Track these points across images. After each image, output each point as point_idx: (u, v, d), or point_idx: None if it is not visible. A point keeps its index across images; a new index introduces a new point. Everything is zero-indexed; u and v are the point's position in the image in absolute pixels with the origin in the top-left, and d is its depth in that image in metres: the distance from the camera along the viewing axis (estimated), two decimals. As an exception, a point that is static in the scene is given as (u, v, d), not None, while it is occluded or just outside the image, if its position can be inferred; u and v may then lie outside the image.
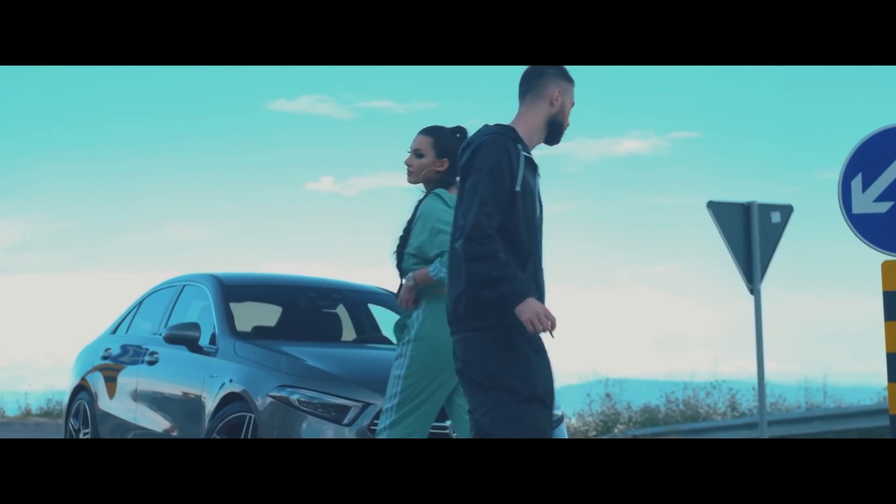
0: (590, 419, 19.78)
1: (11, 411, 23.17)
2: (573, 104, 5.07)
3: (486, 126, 4.90)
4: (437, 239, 5.66)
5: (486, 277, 4.61)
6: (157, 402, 8.60)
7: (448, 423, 7.21)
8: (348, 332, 9.10)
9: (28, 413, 23.02)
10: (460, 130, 5.98)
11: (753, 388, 19.20)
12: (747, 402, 19.15)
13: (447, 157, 5.90)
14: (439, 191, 5.83)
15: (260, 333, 8.61)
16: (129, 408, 8.90)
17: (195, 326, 8.24)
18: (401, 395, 5.71)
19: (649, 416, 19.42)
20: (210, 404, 7.77)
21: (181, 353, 8.32)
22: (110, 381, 9.26)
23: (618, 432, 18.72)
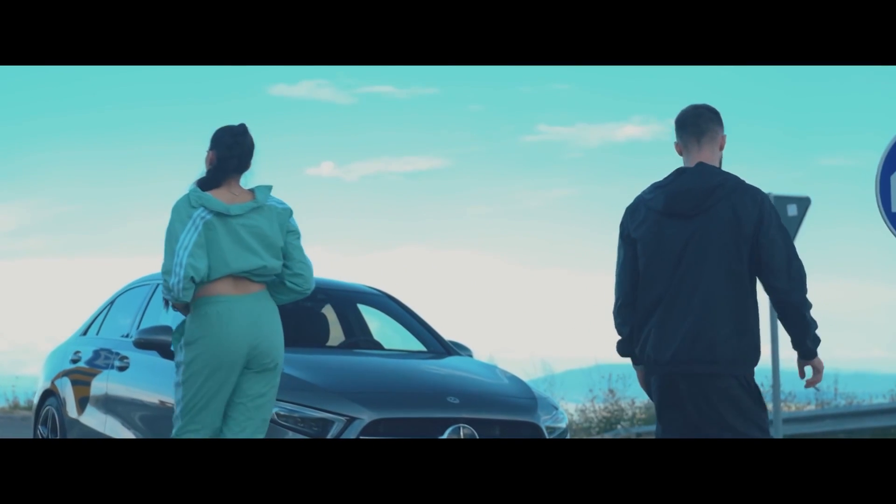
0: (592, 415, 19.16)
1: (-1, 402, 22.70)
2: None
3: (730, 174, 5.10)
4: (167, 247, 5.64)
5: (814, 326, 5.00)
6: (128, 411, 7.95)
7: (442, 437, 6.60)
8: (336, 335, 8.46)
9: (16, 406, 22.48)
10: (241, 127, 5.86)
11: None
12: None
13: (214, 149, 5.79)
14: (191, 188, 5.72)
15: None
16: (98, 417, 8.25)
17: (167, 330, 7.60)
18: (183, 402, 5.71)
19: (653, 413, 18.76)
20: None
21: (153, 358, 7.67)
22: (79, 387, 8.61)
23: (620, 429, 18.11)
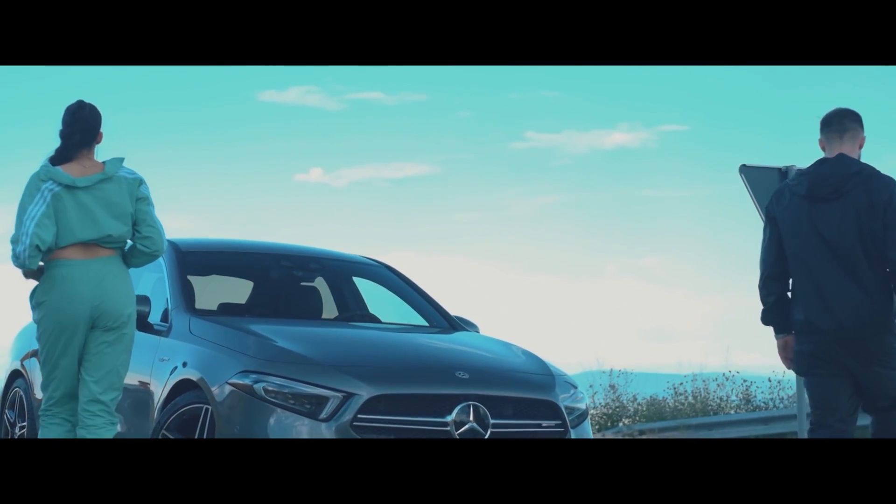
0: (593, 412, 18.51)
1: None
2: None
3: (866, 164, 5.71)
4: (17, 218, 5.92)
5: None
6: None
7: (448, 418, 5.91)
8: (329, 310, 7.75)
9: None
10: (77, 103, 6.10)
11: (769, 380, 18.00)
12: (762, 394, 17.86)
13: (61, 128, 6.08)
14: (43, 163, 5.99)
15: (227, 312, 7.26)
16: (69, 398, 7.52)
17: (144, 300, 6.90)
18: (41, 358, 6.02)
19: (656, 410, 18.14)
20: (159, 393, 6.44)
21: (128, 332, 6.95)
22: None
23: (623, 426, 17.47)
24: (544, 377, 6.49)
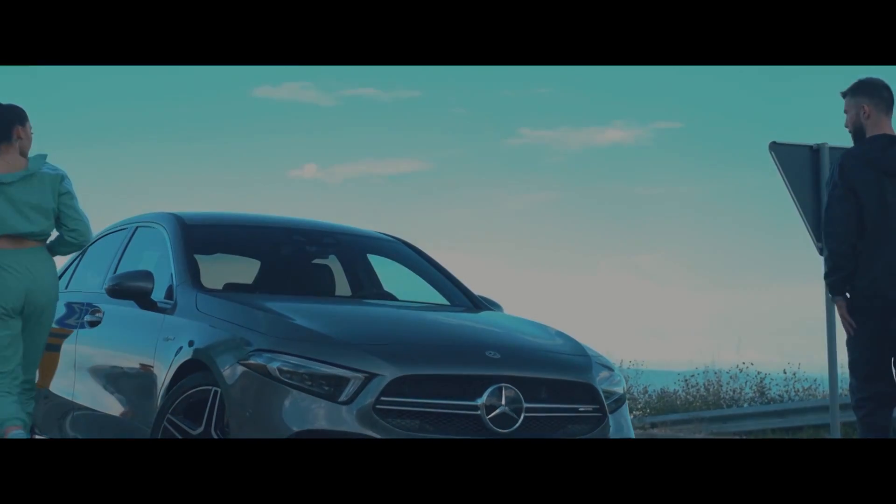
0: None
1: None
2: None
3: None
4: None
5: None
6: (101, 374, 6.80)
7: (478, 401, 5.45)
8: (342, 289, 7.29)
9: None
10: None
11: (784, 372, 17.63)
12: (777, 387, 17.47)
13: None
14: None
15: (233, 290, 6.80)
16: (67, 383, 7.08)
17: (147, 276, 6.45)
18: None
19: (667, 402, 17.74)
20: (164, 375, 5.97)
21: (129, 310, 6.51)
22: (46, 351, 7.41)
23: (633, 419, 17.07)
24: (580, 358, 6.03)
